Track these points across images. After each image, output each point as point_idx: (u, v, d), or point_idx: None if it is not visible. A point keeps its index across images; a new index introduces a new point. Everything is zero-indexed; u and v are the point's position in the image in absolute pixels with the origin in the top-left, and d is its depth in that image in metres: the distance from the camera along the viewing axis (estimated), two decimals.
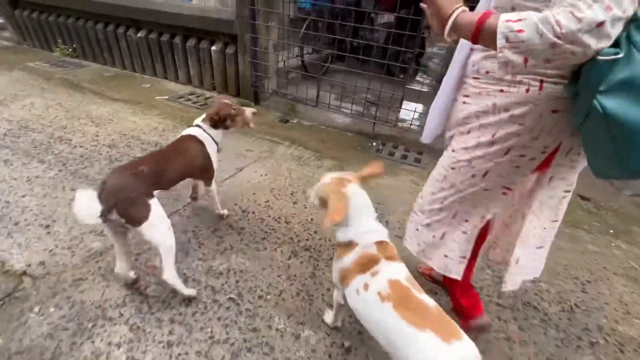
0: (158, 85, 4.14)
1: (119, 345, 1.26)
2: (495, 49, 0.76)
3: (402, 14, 2.85)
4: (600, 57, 0.69)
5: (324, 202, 1.11)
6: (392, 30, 3.24)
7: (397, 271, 1.02)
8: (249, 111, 1.72)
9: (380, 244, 1.07)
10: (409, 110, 3.34)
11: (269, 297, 1.50)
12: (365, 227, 1.08)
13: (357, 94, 3.74)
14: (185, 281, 1.53)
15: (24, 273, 1.50)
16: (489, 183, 1.06)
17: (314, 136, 3.13)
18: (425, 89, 3.41)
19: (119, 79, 4.21)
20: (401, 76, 3.67)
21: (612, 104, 0.70)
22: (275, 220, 1.98)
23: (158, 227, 1.30)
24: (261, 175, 2.42)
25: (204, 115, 1.68)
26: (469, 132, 1.04)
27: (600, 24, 0.65)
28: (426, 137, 1.24)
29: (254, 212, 2.02)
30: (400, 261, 1.06)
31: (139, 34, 4.13)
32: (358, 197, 1.09)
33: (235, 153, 2.68)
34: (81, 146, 2.54)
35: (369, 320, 1.00)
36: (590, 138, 0.81)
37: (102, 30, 4.36)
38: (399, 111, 3.46)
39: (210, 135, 1.64)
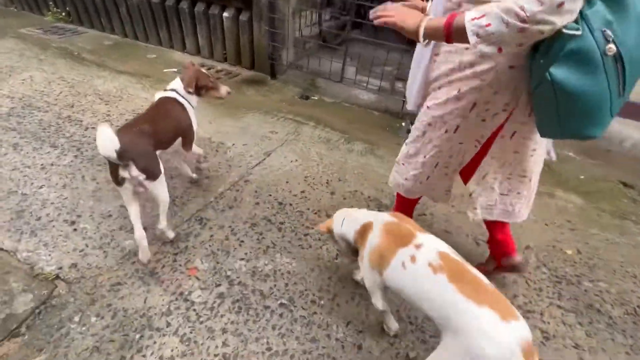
0: (164, 55, 3.82)
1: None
2: (469, 43, 0.81)
3: None
4: (565, 31, 0.74)
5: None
6: None
7: (440, 244, 1.03)
8: (224, 89, 1.77)
9: (395, 215, 1.16)
10: None
11: (322, 302, 1.41)
12: (363, 212, 1.26)
13: (380, 67, 3.47)
14: (231, 284, 1.43)
15: (57, 277, 1.39)
16: (462, 137, 1.15)
17: (339, 115, 2.92)
18: None
19: (121, 49, 3.87)
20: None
21: (559, 72, 0.78)
22: (315, 213, 1.85)
23: (164, 184, 1.43)
24: (292, 162, 2.25)
25: (177, 80, 1.67)
26: (439, 88, 1.11)
27: (561, 4, 0.70)
28: (411, 104, 1.28)
29: (291, 205, 1.89)
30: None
31: None
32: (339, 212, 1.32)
33: (259, 135, 2.49)
34: (93, 127, 2.34)
35: (419, 292, 0.97)
36: (539, 102, 0.92)
37: None
38: None
39: (187, 99, 1.66)
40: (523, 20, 0.72)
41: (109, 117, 2.50)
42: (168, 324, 1.28)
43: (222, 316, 1.32)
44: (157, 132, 1.44)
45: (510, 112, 1.05)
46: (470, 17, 0.79)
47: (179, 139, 1.64)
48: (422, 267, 0.96)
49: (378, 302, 1.19)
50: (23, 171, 1.90)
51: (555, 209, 2.14)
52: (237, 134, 2.49)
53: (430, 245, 1.01)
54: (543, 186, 2.35)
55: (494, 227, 1.39)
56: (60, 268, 1.42)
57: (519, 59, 0.92)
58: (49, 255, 1.47)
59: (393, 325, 1.28)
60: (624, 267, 1.76)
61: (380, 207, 1.94)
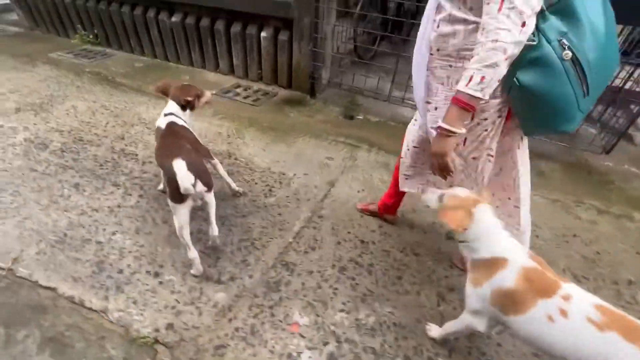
0: (197, 76, 3.76)
1: None
2: (484, 98, 0.94)
3: None
4: (526, 42, 0.88)
5: (445, 210, 1.12)
6: None
7: (592, 296, 0.95)
8: (208, 92, 1.82)
9: (534, 259, 1.04)
10: None
11: (439, 359, 1.31)
12: (507, 242, 1.07)
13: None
14: (338, 341, 1.34)
15: (156, 341, 1.29)
16: (472, 149, 1.19)
17: (388, 135, 2.83)
18: None
19: (153, 71, 3.81)
20: None
21: (526, 77, 0.94)
22: (401, 252, 1.75)
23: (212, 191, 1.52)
24: (358, 192, 2.16)
25: (171, 103, 1.69)
26: (437, 102, 1.16)
27: (523, 24, 0.84)
28: (421, 110, 1.26)
29: (374, 243, 1.79)
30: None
31: (173, 19, 3.68)
32: (486, 214, 1.08)
33: (317, 162, 2.40)
34: (150, 161, 2.26)
35: (579, 350, 0.89)
36: (515, 104, 1.06)
37: (128, 15, 3.89)
38: None
39: (184, 120, 1.70)
40: (501, 50, 0.85)
41: None
42: None
43: None
44: (194, 151, 1.54)
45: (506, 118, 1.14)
46: (464, 85, 0.93)
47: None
48: (579, 322, 0.89)
49: (481, 325, 1.11)
50: (92, 215, 1.81)
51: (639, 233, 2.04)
52: (294, 162, 2.40)
53: (581, 297, 0.94)
54: (616, 207, 2.26)
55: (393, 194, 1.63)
56: (157, 330, 1.33)
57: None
58: (141, 314, 1.38)
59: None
60: None
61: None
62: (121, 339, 1.30)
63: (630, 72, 2.78)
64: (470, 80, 0.91)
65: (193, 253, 1.46)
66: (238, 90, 3.49)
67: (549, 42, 0.89)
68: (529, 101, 0.97)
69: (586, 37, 0.89)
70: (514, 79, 0.95)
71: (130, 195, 1.97)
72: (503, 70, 0.89)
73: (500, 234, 1.08)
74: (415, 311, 1.47)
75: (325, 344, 1.33)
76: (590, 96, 0.96)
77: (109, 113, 2.82)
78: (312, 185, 2.18)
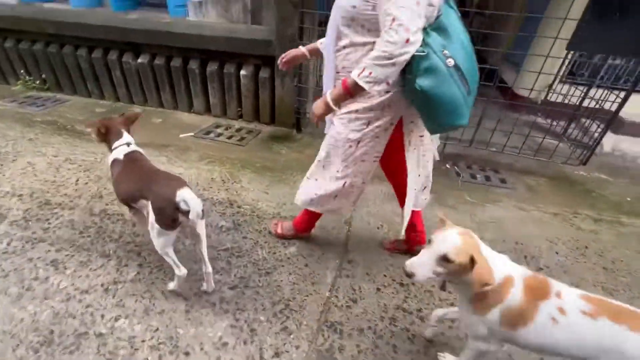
0: (170, 118, 3.49)
1: None
2: (366, 91, 1.13)
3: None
4: (416, 53, 1.06)
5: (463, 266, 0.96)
6: None
7: (570, 287, 1.00)
8: (137, 111, 1.91)
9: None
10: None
11: None
12: (503, 260, 1.03)
13: None
14: None
15: None
16: (363, 151, 1.39)
17: None
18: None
19: None
20: None
21: (425, 83, 1.10)
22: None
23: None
24: (378, 228, 2.07)
25: (124, 136, 1.63)
26: (342, 112, 1.34)
27: (407, 40, 1.02)
28: (327, 129, 1.52)
29: (413, 284, 1.68)
30: None
31: (139, 60, 3.42)
32: (482, 245, 1.01)
33: None
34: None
35: (580, 344, 0.92)
36: (418, 107, 1.22)
37: (85, 58, 3.54)
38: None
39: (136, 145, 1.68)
40: (389, 58, 1.04)
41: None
42: None
43: None
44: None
45: (397, 125, 1.33)
46: (357, 74, 1.10)
47: None
48: (576, 316, 0.92)
49: (493, 346, 1.08)
50: (82, 299, 1.47)
51: (638, 238, 2.19)
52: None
53: (568, 291, 0.98)
54: (606, 214, 2.44)
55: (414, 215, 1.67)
56: None
57: (392, 85, 1.22)
58: None
59: None
60: None
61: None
62: None
63: (585, 91, 3.14)
64: (362, 71, 1.09)
65: (182, 270, 1.42)
66: (219, 130, 3.29)
67: (435, 53, 1.07)
68: (430, 103, 1.13)
69: (458, 49, 1.11)
70: (415, 86, 1.11)
71: (127, 266, 1.66)
72: (389, 72, 1.07)
73: (496, 256, 1.02)
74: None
75: None
76: (471, 94, 1.16)
77: (77, 168, 2.45)
78: (329, 228, 2.04)
